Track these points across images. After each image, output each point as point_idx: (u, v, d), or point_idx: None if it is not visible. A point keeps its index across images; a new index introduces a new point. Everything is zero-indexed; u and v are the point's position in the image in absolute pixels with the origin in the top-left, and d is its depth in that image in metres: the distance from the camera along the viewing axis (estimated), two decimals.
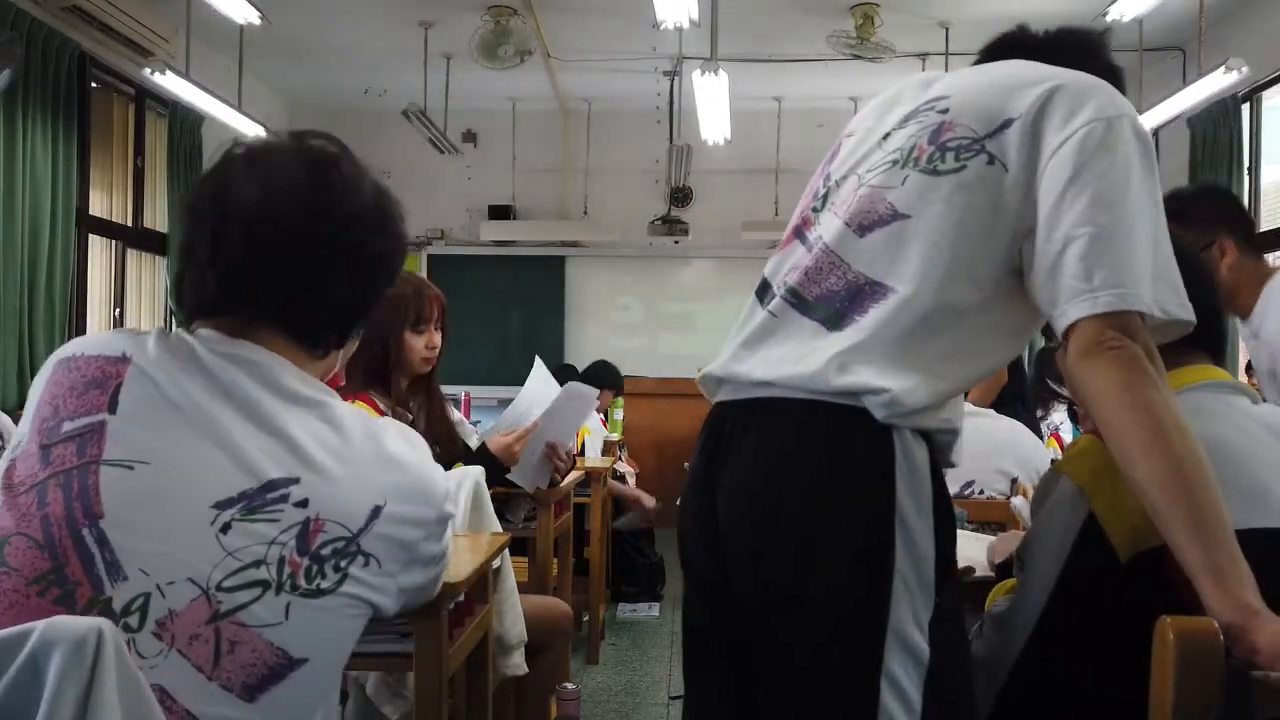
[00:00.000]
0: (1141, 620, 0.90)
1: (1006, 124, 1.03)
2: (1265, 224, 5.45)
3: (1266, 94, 5.39)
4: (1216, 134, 5.44)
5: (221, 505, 0.88)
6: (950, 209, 1.02)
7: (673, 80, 6.67)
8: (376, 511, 0.94)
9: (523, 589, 2.23)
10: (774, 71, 6.42)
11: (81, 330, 5.30)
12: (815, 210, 1.15)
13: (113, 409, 0.91)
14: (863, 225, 1.07)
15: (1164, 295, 0.96)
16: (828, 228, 1.10)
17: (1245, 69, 4.54)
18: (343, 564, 0.92)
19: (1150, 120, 5.46)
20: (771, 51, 6.08)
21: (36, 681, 0.68)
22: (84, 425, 0.91)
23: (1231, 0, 5.23)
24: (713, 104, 5.54)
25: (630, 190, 7.68)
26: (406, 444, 1.00)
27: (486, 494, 1.96)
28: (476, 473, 1.94)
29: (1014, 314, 1.06)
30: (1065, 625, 1.06)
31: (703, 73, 4.94)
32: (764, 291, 1.16)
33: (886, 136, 1.12)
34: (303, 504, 0.90)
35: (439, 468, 1.04)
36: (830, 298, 1.06)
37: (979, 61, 1.22)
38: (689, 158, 7.22)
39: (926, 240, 1.03)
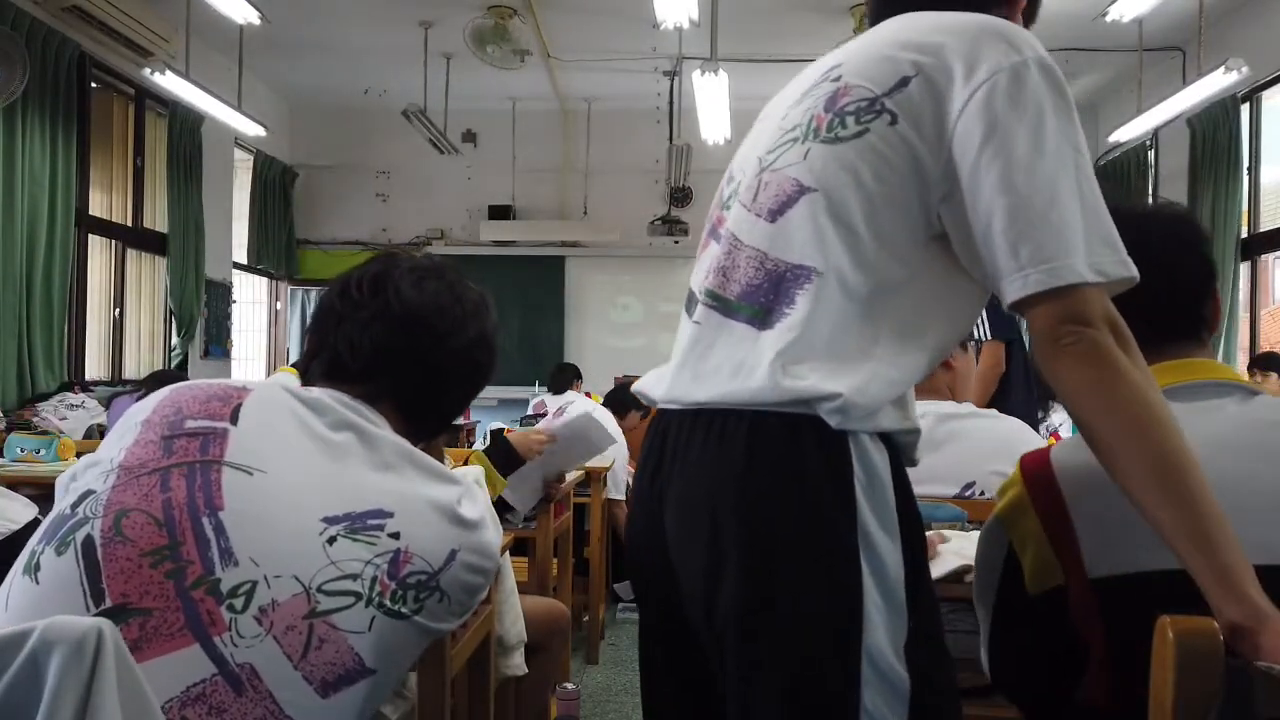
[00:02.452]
0: (1050, 647, 0.94)
1: (904, 81, 0.94)
2: (1265, 224, 5.45)
3: (1266, 94, 5.40)
4: (1216, 134, 5.44)
5: (329, 520, 0.98)
6: (856, 177, 0.94)
7: (673, 80, 6.68)
8: (453, 555, 1.05)
9: (523, 589, 2.23)
10: (774, 71, 6.42)
11: (81, 331, 5.31)
12: (726, 208, 1.07)
13: (234, 420, 1.02)
14: (772, 210, 0.98)
15: (1099, 256, 0.87)
16: (736, 219, 1.03)
17: (1245, 69, 4.54)
18: (422, 596, 1.02)
19: (1150, 120, 5.47)
20: (771, 51, 6.08)
21: (36, 681, 0.68)
22: (206, 426, 1.01)
23: (1231, 0, 5.23)
24: (712, 104, 5.55)
25: (630, 190, 7.70)
26: (473, 503, 1.12)
27: (486, 494, 1.96)
28: (475, 473, 1.93)
29: (951, 283, 0.98)
30: (999, 637, 1.10)
31: (703, 73, 4.94)
32: (690, 303, 1.08)
33: (785, 117, 1.05)
34: (395, 536, 1.01)
35: (496, 527, 1.16)
36: (753, 293, 0.98)
37: (872, 20, 1.13)
38: (689, 158, 7.22)
39: (836, 213, 0.94)
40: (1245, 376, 5.25)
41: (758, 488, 0.91)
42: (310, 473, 1.01)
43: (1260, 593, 0.81)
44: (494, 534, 1.14)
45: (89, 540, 0.92)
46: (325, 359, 1.16)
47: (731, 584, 0.91)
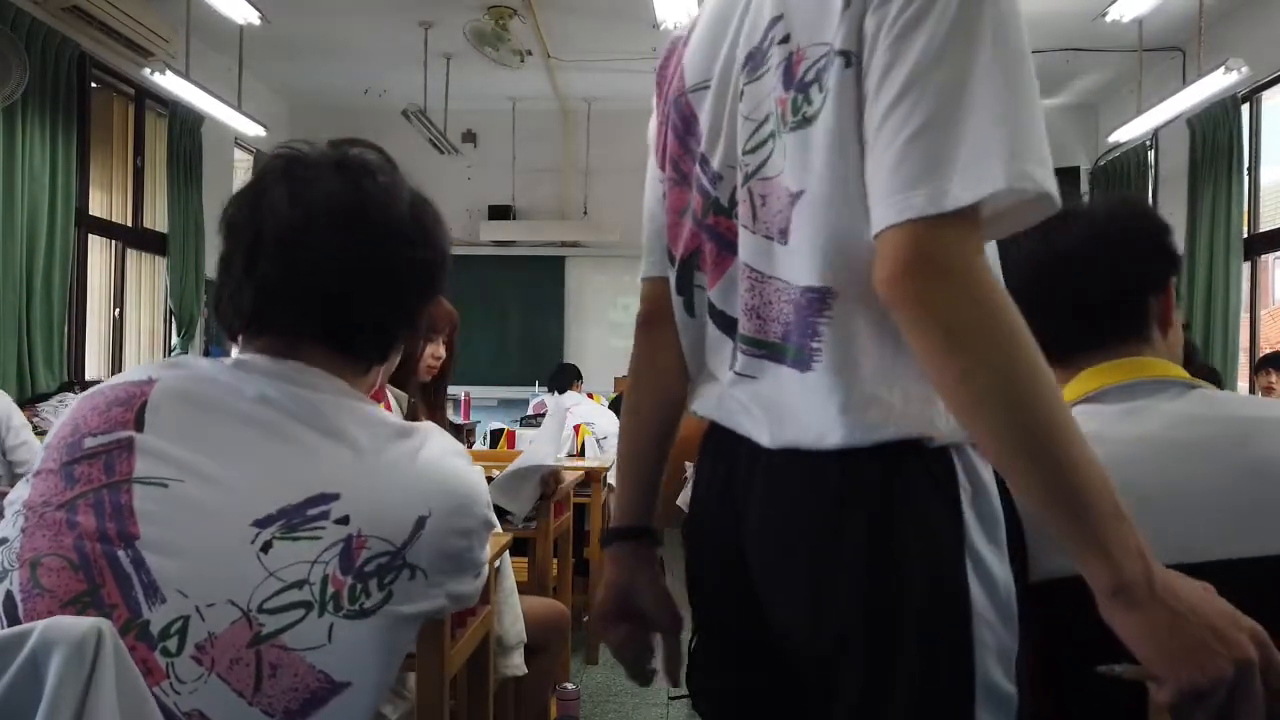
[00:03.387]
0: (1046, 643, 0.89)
1: (846, 4, 0.79)
2: (1265, 224, 5.45)
3: (1266, 94, 5.39)
4: (1216, 134, 5.44)
5: (261, 523, 0.85)
6: (839, 155, 0.79)
7: None
8: (421, 523, 0.90)
9: (523, 589, 2.23)
10: None
11: (81, 331, 5.31)
12: (725, 211, 0.94)
13: (139, 427, 0.88)
14: (781, 229, 0.85)
15: (960, 181, 0.71)
16: (748, 247, 0.90)
17: (1245, 69, 4.54)
18: (387, 580, 0.88)
19: (1150, 120, 5.47)
20: None
21: (36, 681, 0.68)
22: (108, 441, 0.88)
23: (1231, 0, 5.23)
24: None
25: (630, 190, 7.62)
26: (446, 450, 0.96)
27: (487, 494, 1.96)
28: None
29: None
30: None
31: None
32: (728, 327, 0.95)
33: (741, 96, 0.90)
34: (343, 520, 0.87)
35: (479, 473, 1.01)
36: (790, 331, 0.86)
37: None
38: None
39: (833, 214, 0.80)
40: (1247, 376, 5.25)
41: (862, 518, 0.81)
42: (235, 468, 0.87)
43: (1139, 566, 0.71)
44: (475, 478, 0.98)
45: (9, 597, 0.83)
46: (229, 310, 0.99)
47: (839, 618, 0.82)
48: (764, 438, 0.87)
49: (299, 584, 0.84)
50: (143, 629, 0.80)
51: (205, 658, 0.81)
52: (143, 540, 0.83)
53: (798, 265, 0.84)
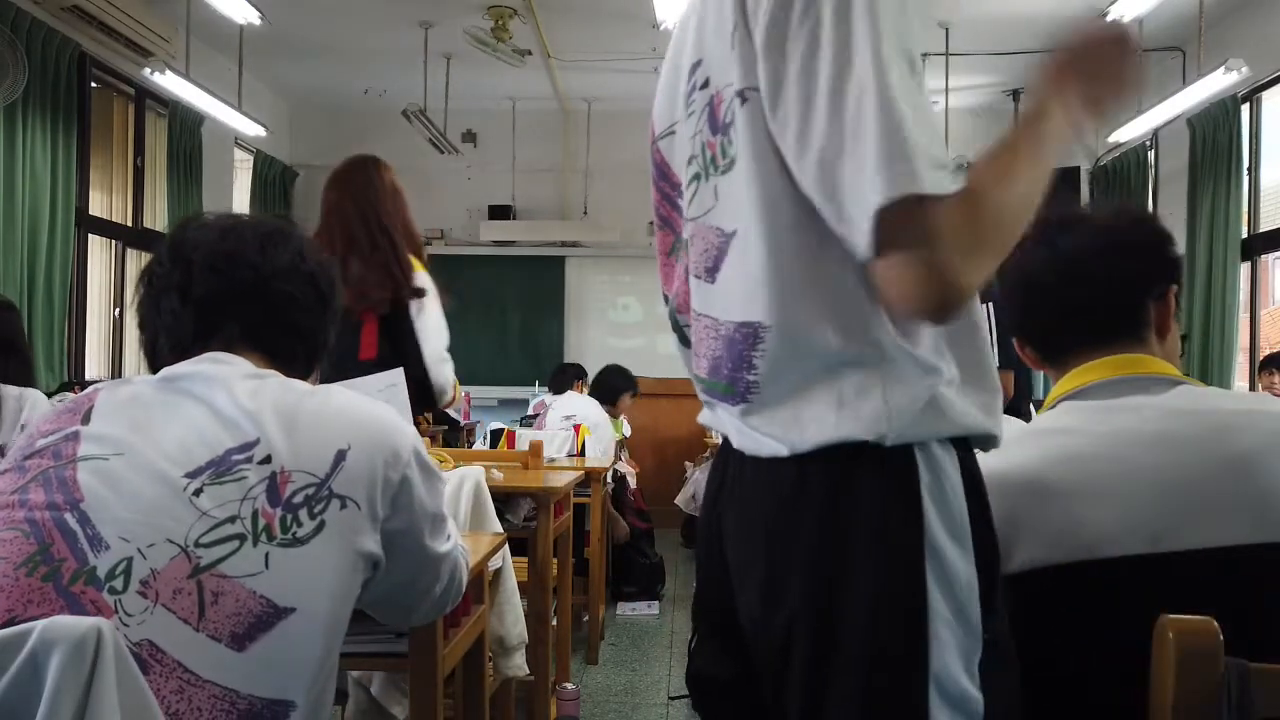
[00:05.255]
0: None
1: (733, 46, 0.83)
2: (1265, 224, 5.45)
3: (1266, 94, 5.39)
4: (1216, 134, 5.43)
5: (192, 475, 0.94)
6: (764, 192, 0.82)
7: None
8: (341, 455, 0.98)
9: (523, 589, 2.23)
10: None
11: (81, 331, 5.31)
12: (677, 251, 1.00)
13: (86, 421, 0.99)
14: (708, 268, 0.89)
15: (870, 193, 0.74)
16: (693, 289, 0.94)
17: (1245, 69, 4.54)
18: (317, 509, 0.95)
19: (1150, 120, 5.46)
20: None
21: (36, 681, 0.68)
22: (58, 437, 0.97)
23: (1231, 0, 5.23)
24: None
25: (630, 190, 7.68)
26: (356, 397, 1.06)
27: (487, 494, 1.96)
28: (476, 473, 1.94)
29: None
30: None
31: None
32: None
33: (676, 137, 0.95)
34: (266, 460, 0.95)
35: (395, 414, 1.09)
36: (717, 366, 0.90)
37: None
38: None
39: (763, 251, 0.83)
40: (1246, 376, 5.24)
41: (811, 506, 0.83)
42: (170, 437, 0.96)
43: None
44: (391, 415, 1.06)
45: None
46: (163, 339, 1.11)
47: (788, 609, 0.84)
48: (733, 436, 0.93)
49: (231, 519, 0.92)
50: (90, 574, 0.88)
51: (149, 591, 0.88)
52: (86, 503, 0.92)
53: (730, 302, 0.87)
